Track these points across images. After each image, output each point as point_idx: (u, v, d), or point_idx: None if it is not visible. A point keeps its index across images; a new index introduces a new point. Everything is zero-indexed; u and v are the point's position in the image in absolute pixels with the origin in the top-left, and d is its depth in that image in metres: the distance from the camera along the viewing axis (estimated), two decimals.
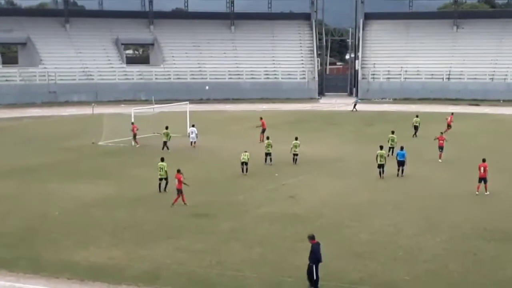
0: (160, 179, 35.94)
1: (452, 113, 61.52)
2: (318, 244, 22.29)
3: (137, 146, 52.10)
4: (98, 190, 36.89)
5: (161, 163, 36.20)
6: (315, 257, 22.04)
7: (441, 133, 46.03)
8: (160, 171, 35.94)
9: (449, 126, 57.99)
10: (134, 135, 52.66)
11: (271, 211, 32.11)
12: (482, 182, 35.51)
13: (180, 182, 33.12)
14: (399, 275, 23.43)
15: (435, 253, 25.96)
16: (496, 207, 33.21)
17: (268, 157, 44.23)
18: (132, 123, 53.18)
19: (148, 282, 22.93)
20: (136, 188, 37.18)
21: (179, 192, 33.17)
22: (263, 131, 54.04)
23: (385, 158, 40.20)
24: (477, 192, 35.40)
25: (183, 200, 33.23)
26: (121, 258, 25.38)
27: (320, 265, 22.58)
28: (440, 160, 44.64)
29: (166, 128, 50.45)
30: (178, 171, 33.64)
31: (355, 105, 79.90)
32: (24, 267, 24.43)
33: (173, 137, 52.44)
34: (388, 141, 46.15)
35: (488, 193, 35.36)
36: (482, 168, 35.53)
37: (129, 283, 22.81)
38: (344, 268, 24.24)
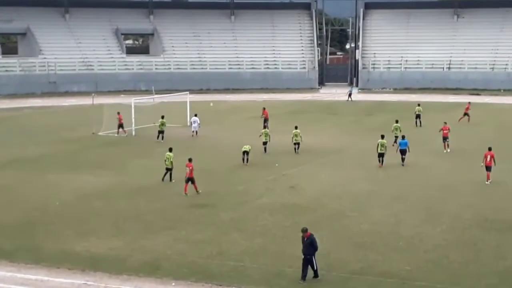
0: (167, 169, 36.01)
1: (469, 102, 61.85)
2: (312, 234, 22.30)
3: (117, 136, 52.30)
4: (99, 180, 36.90)
5: (168, 153, 36.27)
6: (314, 248, 22.05)
7: (445, 123, 45.89)
8: (166, 161, 36.02)
9: (466, 114, 58.55)
10: (120, 125, 52.85)
11: (272, 202, 32.12)
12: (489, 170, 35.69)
13: (191, 171, 33.26)
14: (400, 265, 23.45)
15: (436, 243, 25.98)
16: (496, 196, 33.21)
17: (265, 146, 44.34)
18: (118, 113, 53.33)
19: (149, 272, 22.96)
20: (137, 179, 37.20)
21: (192, 181, 33.43)
22: (266, 121, 54.15)
23: (385, 147, 40.24)
24: (487, 182, 35.62)
25: (196, 189, 33.46)
26: (121, 249, 25.41)
27: (320, 255, 22.68)
28: (445, 151, 44.44)
29: (162, 117, 50.47)
30: (190, 160, 33.77)
31: (350, 94, 79.72)
32: (25, 258, 24.46)
33: (174, 127, 52.55)
34: (393, 130, 46.26)
35: (488, 182, 35.42)
36: (488, 157, 35.61)
37: (129, 273, 22.85)
38: (344, 258, 24.26)
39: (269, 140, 44.65)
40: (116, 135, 52.35)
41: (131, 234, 27.21)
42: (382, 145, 40.15)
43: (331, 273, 22.68)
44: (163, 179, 36.01)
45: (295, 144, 44.58)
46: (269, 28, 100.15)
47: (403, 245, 25.71)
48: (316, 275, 22.13)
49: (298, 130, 44.99)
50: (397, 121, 47.73)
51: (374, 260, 24.02)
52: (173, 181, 35.79)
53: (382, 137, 40.65)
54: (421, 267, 23.32)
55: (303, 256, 22.12)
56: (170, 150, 36.67)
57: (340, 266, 23.41)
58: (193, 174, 33.43)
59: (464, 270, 23.18)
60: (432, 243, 25.92)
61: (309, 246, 22.02)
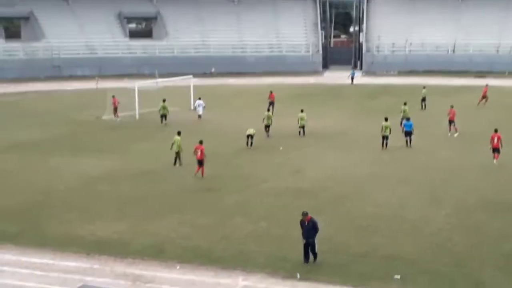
0: (176, 153, 36.06)
1: (487, 85, 61.70)
2: (313, 217, 22.31)
3: (118, 119, 52.27)
4: (103, 164, 36.94)
5: (176, 136, 36.26)
6: (315, 230, 22.06)
7: (451, 106, 45.78)
8: (173, 144, 36.02)
9: (484, 97, 58.74)
10: (115, 109, 52.77)
11: (276, 185, 32.15)
12: (496, 152, 35.90)
13: (202, 153, 33.30)
14: (404, 248, 23.47)
15: (440, 226, 25.99)
16: (501, 179, 33.18)
17: (268, 129, 44.39)
18: (113, 97, 53.28)
19: (154, 256, 23.04)
20: (141, 162, 37.25)
21: (200, 163, 33.57)
22: (272, 104, 54.15)
23: (389, 129, 40.23)
24: (495, 162, 35.81)
25: (202, 173, 33.58)
26: (126, 232, 25.49)
27: (324, 238, 22.76)
28: (449, 134, 44.40)
29: (164, 101, 50.38)
30: (201, 142, 33.83)
31: (352, 78, 79.51)
32: (30, 241, 24.59)
33: (178, 111, 52.54)
34: (401, 112, 46.35)
35: (496, 162, 35.57)
36: (495, 139, 35.72)
37: (134, 257, 22.94)
38: (348, 241, 24.30)
39: (271, 124, 44.64)
40: (118, 119, 52.33)
41: (136, 217, 27.28)
42: (386, 128, 40.18)
43: (335, 256, 22.73)
44: (174, 164, 36.01)
45: (300, 127, 44.62)
46: (273, 12, 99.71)
47: (407, 228, 25.73)
48: (315, 257, 22.12)
49: (304, 114, 45.04)
50: (405, 103, 47.90)
51: (378, 243, 24.06)
52: (177, 165, 35.85)
53: (386, 119, 40.68)
54: (426, 250, 23.35)
55: (304, 241, 22.12)
56: (179, 133, 36.62)
57: (344, 249, 23.46)
58: (203, 156, 33.53)
59: (469, 252, 23.21)
60: (437, 226, 25.94)
61: (311, 229, 22.04)
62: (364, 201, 29.51)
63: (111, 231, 25.65)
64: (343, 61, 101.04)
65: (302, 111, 45.38)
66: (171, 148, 36.19)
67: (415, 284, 20.50)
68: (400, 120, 44.97)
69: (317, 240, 22.11)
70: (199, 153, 33.59)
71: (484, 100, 58.70)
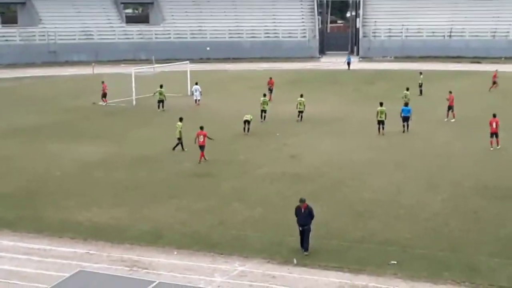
0: (178, 139, 36.12)
1: (496, 70, 61.58)
2: (309, 205, 22.31)
3: (105, 104, 52.43)
4: (100, 150, 36.92)
5: (178, 123, 36.30)
6: (311, 217, 22.03)
7: (450, 92, 45.77)
8: (176, 130, 36.07)
9: (494, 83, 58.62)
10: (104, 94, 52.74)
11: (273, 171, 32.18)
12: (494, 137, 36.07)
13: (204, 138, 33.59)
14: (400, 234, 23.54)
15: (436, 211, 26.06)
16: (497, 165, 33.24)
17: (263, 114, 44.41)
18: (103, 82, 53.22)
19: (151, 241, 23.10)
20: (138, 148, 37.24)
21: (202, 148, 33.71)
22: (270, 90, 54.24)
23: (385, 114, 40.29)
24: (491, 148, 35.93)
25: (200, 157, 33.68)
26: (123, 218, 25.53)
27: (321, 224, 22.83)
28: (446, 119, 44.43)
29: (161, 86, 50.28)
30: (202, 128, 33.86)
31: (348, 63, 79.40)
32: (28, 227, 24.62)
33: (175, 97, 52.49)
34: (403, 97, 46.74)
35: (499, 147, 35.77)
36: (494, 123, 35.89)
37: (132, 243, 22.98)
38: (345, 226, 24.36)
39: (267, 109, 44.73)
40: (105, 103, 52.29)
41: (133, 203, 27.32)
42: (381, 113, 40.27)
43: (332, 241, 22.79)
44: (173, 149, 36.05)
45: (299, 112, 44.70)
46: None
47: (403, 214, 25.80)
48: (307, 246, 22.04)
49: (303, 99, 45.15)
50: (407, 89, 48.04)
51: (375, 229, 24.12)
52: (175, 150, 35.88)
53: (381, 104, 40.78)
54: (422, 235, 23.42)
55: (300, 228, 22.06)
56: (181, 120, 36.62)
57: (341, 234, 23.51)
58: (205, 142, 33.72)
59: (465, 238, 23.28)
60: (433, 212, 26.01)
61: (308, 216, 21.98)
62: (360, 186, 29.57)
63: (108, 217, 25.69)
64: (340, 47, 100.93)
65: (301, 96, 45.44)
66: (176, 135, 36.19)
67: (411, 269, 20.56)
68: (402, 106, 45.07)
69: (313, 227, 22.11)
70: (201, 139, 33.67)
71: (495, 85, 58.50)
